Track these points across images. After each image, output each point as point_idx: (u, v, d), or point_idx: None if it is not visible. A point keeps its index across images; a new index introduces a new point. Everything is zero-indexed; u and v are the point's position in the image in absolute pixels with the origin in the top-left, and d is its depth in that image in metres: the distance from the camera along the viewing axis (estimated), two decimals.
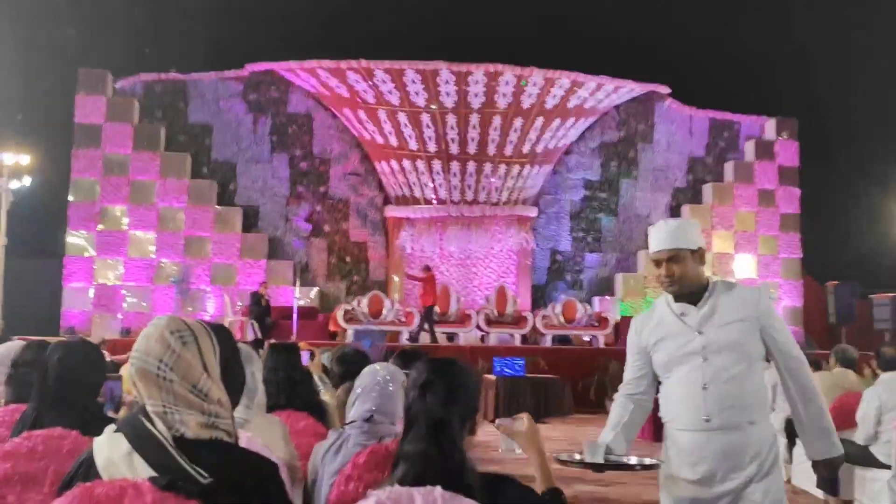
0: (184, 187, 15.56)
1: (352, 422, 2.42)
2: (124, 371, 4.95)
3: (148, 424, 1.36)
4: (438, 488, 1.28)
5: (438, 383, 1.55)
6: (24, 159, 14.57)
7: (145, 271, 15.24)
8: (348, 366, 3.87)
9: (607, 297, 16.37)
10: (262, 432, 2.41)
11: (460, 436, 1.54)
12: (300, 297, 14.61)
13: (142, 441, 1.35)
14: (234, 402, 1.51)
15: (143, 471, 1.32)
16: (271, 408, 3.01)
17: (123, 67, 16.17)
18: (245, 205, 16.11)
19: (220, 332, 1.54)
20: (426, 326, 13.47)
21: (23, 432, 2.15)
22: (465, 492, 1.39)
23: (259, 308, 13.41)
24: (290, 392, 3.12)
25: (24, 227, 15.56)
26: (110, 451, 1.35)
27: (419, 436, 1.50)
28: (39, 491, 2.02)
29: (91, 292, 15.06)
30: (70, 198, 15.29)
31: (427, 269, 13.93)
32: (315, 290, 15.82)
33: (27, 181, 14.86)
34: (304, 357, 3.74)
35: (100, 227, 15.23)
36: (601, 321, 14.77)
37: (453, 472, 1.45)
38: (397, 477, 1.47)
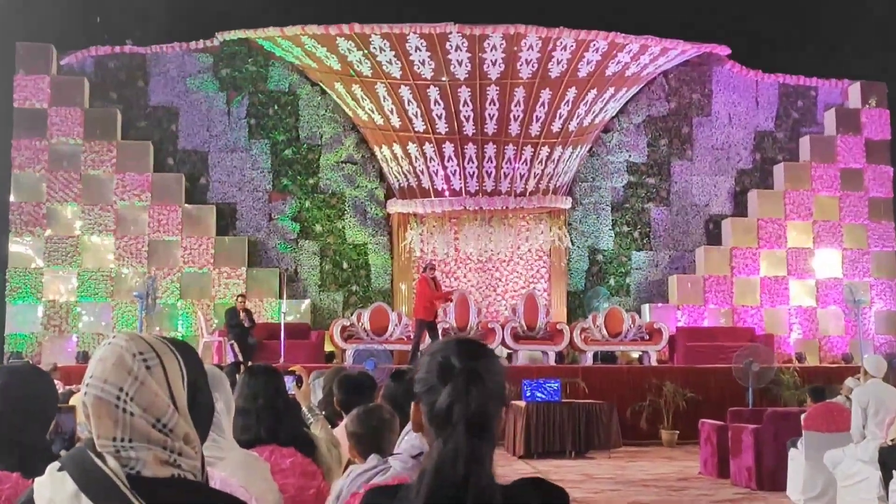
0: (146, 183, 15.69)
1: (397, 454, 2.51)
2: (77, 401, 5.00)
3: (97, 461, 1.37)
4: None
5: (479, 388, 1.51)
6: None
7: (103, 284, 15.38)
8: (353, 391, 3.93)
9: (659, 304, 16.32)
10: (238, 471, 2.43)
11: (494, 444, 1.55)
12: (288, 311, 14.67)
13: (90, 480, 1.35)
14: (203, 437, 1.51)
15: None
16: (250, 443, 3.04)
17: (70, 41, 16.32)
18: (219, 202, 16.21)
19: (186, 353, 1.55)
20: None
21: None
22: None
23: (239, 326, 13.49)
24: (273, 424, 3.14)
25: None
26: (53, 492, 1.36)
27: (458, 438, 1.48)
28: None
29: (39, 310, 15.22)
30: (11, 198, 15.45)
31: (432, 267, 13.78)
32: (306, 302, 15.89)
33: None
34: (289, 382, 3.76)
35: (47, 231, 15.39)
36: (653, 334, 14.73)
37: (483, 488, 1.46)
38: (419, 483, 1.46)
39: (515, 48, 14.79)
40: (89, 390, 1.41)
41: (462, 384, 1.50)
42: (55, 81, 15.82)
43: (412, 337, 13.59)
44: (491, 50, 14.82)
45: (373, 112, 15.63)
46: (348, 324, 14.43)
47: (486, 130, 15.40)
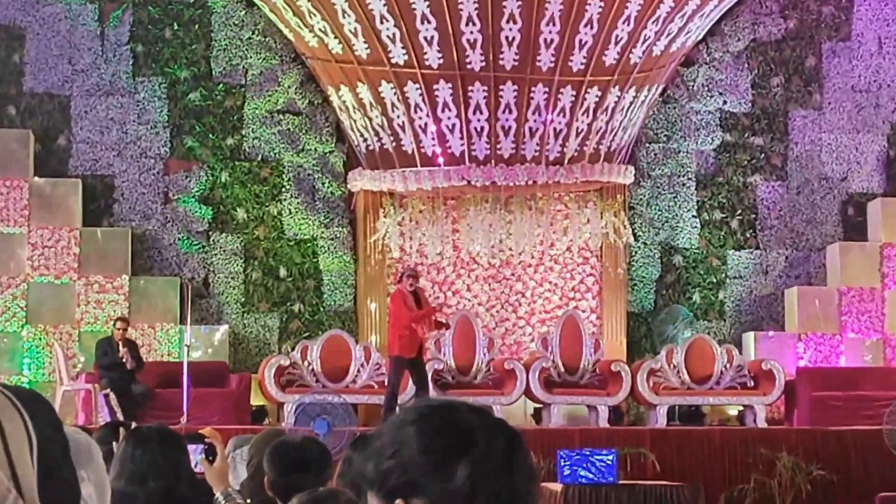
0: None
1: None
2: None
3: None
4: None
5: (523, 451, 1.54)
6: None
7: None
8: (294, 468, 3.95)
9: (771, 332, 16.31)
10: None
11: None
12: (195, 344, 14.64)
13: None
14: None
15: None
16: None
17: None
18: (88, 174, 16.17)
19: (35, 408, 1.51)
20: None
21: None
22: None
23: (117, 367, 13.45)
24: None
25: None
26: None
27: None
28: None
29: None
30: None
31: (410, 275, 13.75)
32: (222, 330, 15.86)
33: None
34: (195, 453, 3.80)
35: None
36: (760, 378, 14.70)
37: None
38: None
39: None
40: None
41: (495, 453, 1.49)
42: None
43: (386, 384, 13.56)
44: None
45: (326, 34, 15.57)
46: (288, 363, 14.37)
47: (501, 63, 15.33)
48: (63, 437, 1.54)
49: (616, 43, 15.45)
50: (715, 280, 16.79)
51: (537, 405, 14.93)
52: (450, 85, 15.44)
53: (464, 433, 1.49)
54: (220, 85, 16.46)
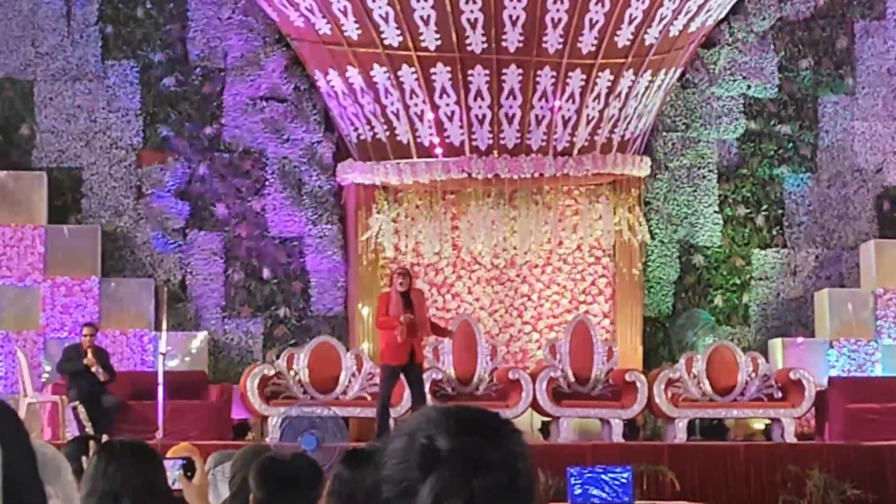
0: None
1: None
2: None
3: None
4: None
5: (486, 462, 1.52)
6: None
7: None
8: (281, 486, 4.01)
9: (800, 339, 16.32)
10: None
11: None
12: (172, 351, 14.62)
13: None
14: None
15: None
16: None
17: None
18: (53, 166, 16.17)
19: (1, 419, 1.60)
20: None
21: None
22: None
23: (83, 375, 13.44)
24: None
25: None
26: None
27: None
28: None
29: None
30: None
31: (400, 273, 13.84)
32: (200, 337, 15.88)
33: None
34: (172, 470, 3.80)
35: None
36: (788, 389, 14.73)
37: None
38: None
39: None
40: None
41: (451, 476, 1.49)
42: None
43: (378, 395, 13.59)
44: None
45: (313, 13, 15.57)
46: (273, 373, 14.38)
47: (504, 44, 15.34)
48: (30, 449, 1.56)
49: (630, 22, 15.47)
50: (738, 282, 16.81)
51: (545, 419, 14.97)
52: (448, 69, 15.45)
53: (430, 458, 1.49)
54: (198, 69, 16.48)
